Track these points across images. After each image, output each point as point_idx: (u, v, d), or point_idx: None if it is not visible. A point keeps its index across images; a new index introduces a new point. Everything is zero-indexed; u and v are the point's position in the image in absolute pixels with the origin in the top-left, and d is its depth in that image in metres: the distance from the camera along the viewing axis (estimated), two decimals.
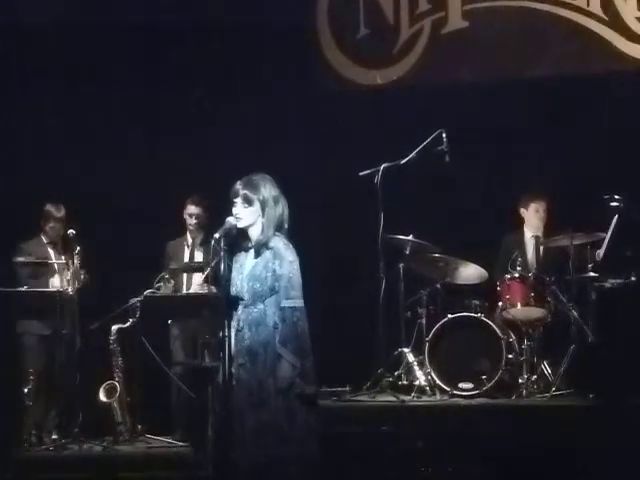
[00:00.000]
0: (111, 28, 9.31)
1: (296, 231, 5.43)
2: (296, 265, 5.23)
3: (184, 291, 7.83)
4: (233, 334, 5.15)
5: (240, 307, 5.12)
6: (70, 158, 8.90)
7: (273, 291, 5.13)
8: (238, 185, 5.23)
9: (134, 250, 8.22)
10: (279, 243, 5.15)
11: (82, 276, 7.52)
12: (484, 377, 7.33)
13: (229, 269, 5.13)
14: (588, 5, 8.48)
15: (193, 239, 7.51)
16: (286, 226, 5.30)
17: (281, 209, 5.25)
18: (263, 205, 5.15)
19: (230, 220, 5.13)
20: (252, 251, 5.18)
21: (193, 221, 7.49)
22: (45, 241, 7.60)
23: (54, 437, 7.25)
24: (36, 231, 7.72)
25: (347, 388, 7.61)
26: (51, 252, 7.63)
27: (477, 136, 8.17)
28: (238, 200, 5.13)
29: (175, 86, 9.39)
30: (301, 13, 9.11)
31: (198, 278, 7.71)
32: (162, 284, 7.43)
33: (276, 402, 5.04)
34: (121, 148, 9.12)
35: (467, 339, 7.59)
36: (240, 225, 5.11)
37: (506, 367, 7.37)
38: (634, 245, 7.45)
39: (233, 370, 5.13)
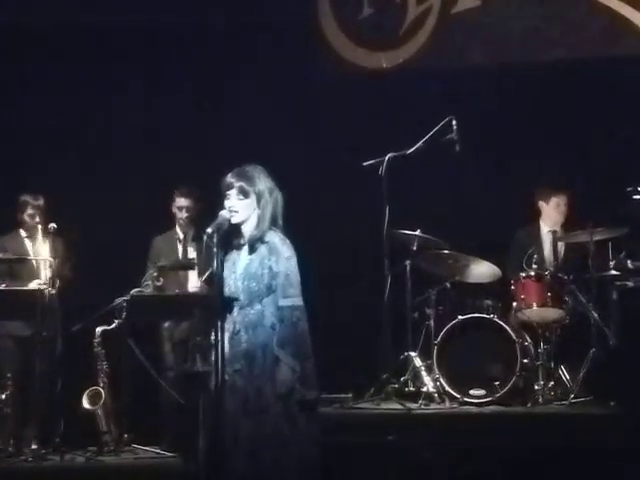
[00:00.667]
0: (112, 27, 9.41)
1: (295, 225, 5.30)
2: (294, 261, 5.15)
3: (177, 290, 7.61)
4: (227, 338, 5.03)
5: (235, 309, 5.05)
6: (52, 154, 8.85)
7: (270, 290, 5.07)
8: (232, 177, 5.17)
9: (119, 246, 8.22)
10: (275, 238, 5.10)
11: (64, 272, 7.46)
12: (497, 383, 7.32)
13: (222, 267, 5.07)
14: None
15: (185, 234, 7.46)
16: (281, 222, 5.21)
17: (276, 202, 5.18)
18: (259, 198, 5.10)
19: (224, 214, 5.04)
20: (245, 248, 5.13)
21: (183, 214, 7.44)
22: (23, 235, 7.51)
23: (34, 447, 7.08)
24: (13, 225, 7.66)
25: (349, 395, 7.56)
26: (30, 247, 7.54)
27: (490, 123, 8.21)
28: (233, 192, 5.06)
29: (166, 76, 9.35)
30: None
31: (194, 277, 7.57)
32: (150, 282, 7.35)
33: (275, 409, 5.00)
34: (104, 141, 9.13)
35: (479, 342, 7.57)
36: (235, 219, 5.03)
37: (521, 372, 7.33)
38: None
39: (227, 377, 4.99)
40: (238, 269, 5.12)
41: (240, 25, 9.36)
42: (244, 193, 5.09)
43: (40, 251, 7.45)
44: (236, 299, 5.08)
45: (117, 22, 9.44)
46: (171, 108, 9.29)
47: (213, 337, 5.27)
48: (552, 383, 7.40)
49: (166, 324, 7.56)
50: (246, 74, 9.25)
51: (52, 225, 7.24)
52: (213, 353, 5.26)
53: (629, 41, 8.35)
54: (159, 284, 7.31)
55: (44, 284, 7.28)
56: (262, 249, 5.14)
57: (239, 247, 5.12)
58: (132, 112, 9.36)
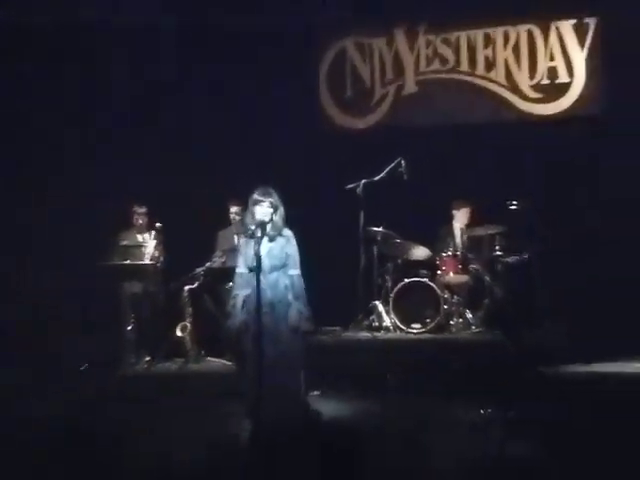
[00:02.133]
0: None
1: (308, 225, 6.07)
2: (296, 247, 5.47)
3: (229, 264, 7.40)
4: (264, 295, 5.29)
5: (261, 275, 5.22)
6: (151, 172, 8.51)
7: (283, 264, 5.38)
8: (261, 195, 5.39)
9: (197, 238, 8.11)
10: (288, 233, 5.41)
11: (163, 253, 7.78)
12: (428, 320, 7.79)
13: (259, 249, 5.24)
14: (490, 71, 8.71)
15: (237, 230, 7.47)
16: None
17: (283, 211, 5.43)
18: (276, 209, 5.32)
19: (260, 217, 5.30)
20: (265, 238, 5.33)
21: (237, 217, 7.56)
22: (135, 231, 7.86)
23: (147, 359, 7.59)
24: (129, 224, 7.91)
25: (338, 328, 8.05)
26: (140, 238, 7.86)
27: (426, 162, 8.27)
28: (265, 204, 5.31)
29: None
30: (308, 83, 9.11)
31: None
32: (217, 259, 7.75)
33: (288, 338, 5.33)
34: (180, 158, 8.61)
35: (417, 296, 7.93)
36: (266, 220, 5.31)
37: (443, 314, 7.82)
38: (527, 234, 7.71)
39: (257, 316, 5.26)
40: (262, 251, 5.21)
41: (262, 92, 8.61)
42: (271, 205, 5.26)
43: (146, 240, 7.80)
44: (262, 269, 5.24)
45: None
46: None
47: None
48: (461, 320, 7.89)
49: (228, 285, 7.37)
50: (265, 119, 8.63)
51: (158, 224, 7.66)
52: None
53: (507, 111, 8.73)
54: (223, 260, 7.68)
55: (151, 260, 7.70)
56: (281, 240, 5.32)
57: (258, 237, 5.30)
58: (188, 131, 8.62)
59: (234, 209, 7.66)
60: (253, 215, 5.32)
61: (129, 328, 7.62)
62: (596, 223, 7.70)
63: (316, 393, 6.20)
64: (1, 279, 7.87)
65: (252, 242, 5.22)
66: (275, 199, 5.38)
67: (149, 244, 7.73)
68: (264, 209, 5.34)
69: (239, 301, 5.37)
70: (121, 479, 4.13)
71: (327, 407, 5.96)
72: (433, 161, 8.32)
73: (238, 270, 5.45)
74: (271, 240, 5.35)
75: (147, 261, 7.68)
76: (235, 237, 7.50)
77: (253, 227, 5.26)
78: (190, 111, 8.69)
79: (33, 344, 7.41)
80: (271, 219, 5.34)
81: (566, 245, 7.56)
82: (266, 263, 5.27)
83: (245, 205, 6.65)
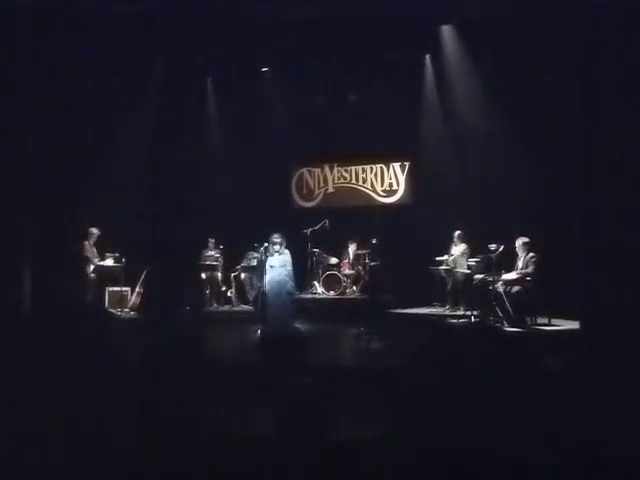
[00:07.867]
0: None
1: (291, 248, 6.65)
2: (290, 257, 6.34)
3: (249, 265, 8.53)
4: (274, 278, 6.18)
5: (275, 269, 6.09)
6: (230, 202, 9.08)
7: (284, 264, 6.31)
8: (277, 238, 6.28)
9: (236, 253, 9.00)
10: (286, 251, 6.40)
11: (222, 259, 9.16)
12: (337, 290, 9.30)
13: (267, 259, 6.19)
14: (365, 183, 10.05)
15: (260, 253, 7.05)
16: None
17: (285, 241, 6.27)
18: (282, 242, 6.32)
19: (276, 248, 6.21)
20: (277, 254, 6.28)
21: (261, 246, 7.06)
22: (210, 249, 9.15)
23: (215, 305, 9.08)
24: (207, 247, 9.08)
25: (298, 292, 8.18)
26: (212, 252, 9.14)
27: (337, 222, 9.27)
28: (278, 240, 6.30)
29: None
30: (287, 187, 10.33)
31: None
32: (244, 263, 9.07)
33: (285, 296, 6.26)
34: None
35: (332, 279, 9.43)
36: (278, 248, 6.26)
37: (342, 287, 9.29)
38: (378, 254, 8.47)
39: (271, 287, 6.15)
40: (275, 259, 6.13)
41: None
42: (280, 241, 6.24)
43: (215, 253, 9.06)
44: (275, 267, 6.07)
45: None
46: None
47: (266, 275, 5.91)
48: (351, 290, 9.34)
49: (248, 273, 8.72)
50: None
51: (221, 246, 9.02)
52: (262, 282, 6.16)
53: (371, 202, 10.05)
54: (247, 263, 8.90)
55: (217, 262, 9.19)
56: (283, 254, 6.27)
57: (273, 254, 6.23)
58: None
59: (267, 243, 7.20)
60: (272, 245, 6.34)
61: (207, 291, 9.30)
62: (411, 253, 8.53)
63: (296, 320, 7.12)
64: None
65: (274, 256, 6.30)
66: (281, 238, 6.38)
67: (215, 255, 9.33)
68: (277, 246, 6.36)
69: (266, 279, 6.30)
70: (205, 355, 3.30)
71: (300, 326, 7.06)
72: (340, 222, 9.45)
73: (267, 266, 6.42)
74: (279, 255, 6.40)
75: (215, 263, 9.32)
76: (254, 254, 8.21)
77: (273, 250, 6.37)
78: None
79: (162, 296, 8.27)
80: (280, 246, 6.35)
81: (393, 260, 8.46)
82: (277, 264, 6.32)
83: (266, 241, 7.10)
